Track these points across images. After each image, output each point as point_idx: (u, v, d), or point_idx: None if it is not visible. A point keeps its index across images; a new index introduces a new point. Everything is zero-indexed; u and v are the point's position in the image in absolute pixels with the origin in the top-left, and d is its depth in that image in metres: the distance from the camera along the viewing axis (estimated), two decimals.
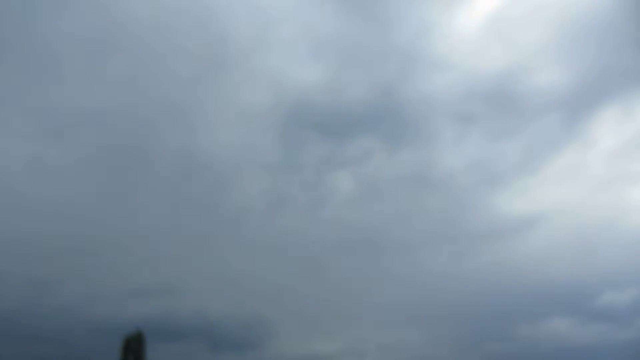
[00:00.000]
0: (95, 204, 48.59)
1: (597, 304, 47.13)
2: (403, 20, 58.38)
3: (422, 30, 58.91)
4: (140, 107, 53.92)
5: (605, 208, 52.94)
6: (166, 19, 56.61)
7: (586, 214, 52.46)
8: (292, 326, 46.20)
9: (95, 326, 40.64)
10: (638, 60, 51.36)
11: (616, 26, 53.18)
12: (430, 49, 59.08)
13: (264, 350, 44.86)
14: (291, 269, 50.41)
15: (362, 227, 53.06)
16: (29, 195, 47.86)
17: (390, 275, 50.36)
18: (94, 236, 46.65)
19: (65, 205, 48.22)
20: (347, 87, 58.01)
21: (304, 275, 50.20)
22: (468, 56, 60.00)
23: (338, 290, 49.07)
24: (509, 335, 46.07)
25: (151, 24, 56.16)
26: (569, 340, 44.99)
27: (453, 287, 48.23)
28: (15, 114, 51.21)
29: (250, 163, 54.64)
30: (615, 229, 51.60)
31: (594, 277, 46.89)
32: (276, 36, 58.18)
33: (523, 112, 59.57)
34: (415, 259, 50.97)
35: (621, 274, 46.37)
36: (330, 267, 50.93)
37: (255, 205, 52.94)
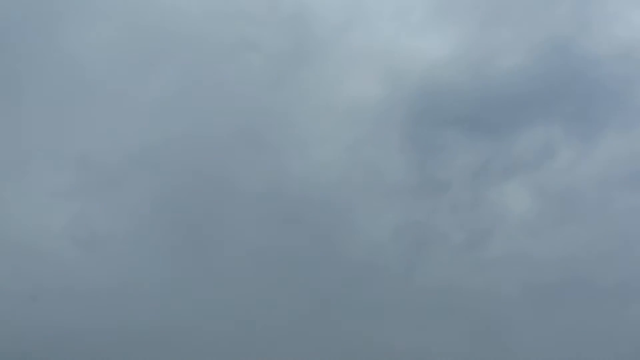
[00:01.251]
0: (157, 280, 34.33)
1: None
2: None
3: None
4: (203, 133, 39.14)
5: None
6: (221, 8, 41.73)
7: None
8: None
9: None
10: None
11: None
12: None
13: None
14: (450, 338, 33.99)
15: (555, 264, 34.91)
16: (71, 275, 34.57)
17: (611, 335, 32.66)
18: (159, 327, 32.88)
19: (119, 286, 34.66)
20: (497, 54, 39.48)
21: (470, 346, 33.77)
22: None
23: None
24: None
25: (204, 18, 41.45)
26: None
27: None
28: (42, 160, 37.92)
29: (370, 188, 37.90)
30: None
31: None
32: None
33: None
34: None
35: None
36: (509, 330, 33.88)
37: (386, 250, 36.21)
